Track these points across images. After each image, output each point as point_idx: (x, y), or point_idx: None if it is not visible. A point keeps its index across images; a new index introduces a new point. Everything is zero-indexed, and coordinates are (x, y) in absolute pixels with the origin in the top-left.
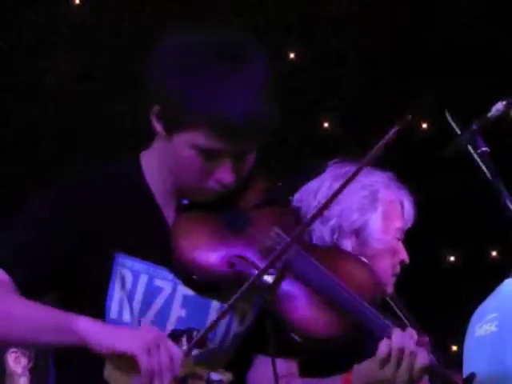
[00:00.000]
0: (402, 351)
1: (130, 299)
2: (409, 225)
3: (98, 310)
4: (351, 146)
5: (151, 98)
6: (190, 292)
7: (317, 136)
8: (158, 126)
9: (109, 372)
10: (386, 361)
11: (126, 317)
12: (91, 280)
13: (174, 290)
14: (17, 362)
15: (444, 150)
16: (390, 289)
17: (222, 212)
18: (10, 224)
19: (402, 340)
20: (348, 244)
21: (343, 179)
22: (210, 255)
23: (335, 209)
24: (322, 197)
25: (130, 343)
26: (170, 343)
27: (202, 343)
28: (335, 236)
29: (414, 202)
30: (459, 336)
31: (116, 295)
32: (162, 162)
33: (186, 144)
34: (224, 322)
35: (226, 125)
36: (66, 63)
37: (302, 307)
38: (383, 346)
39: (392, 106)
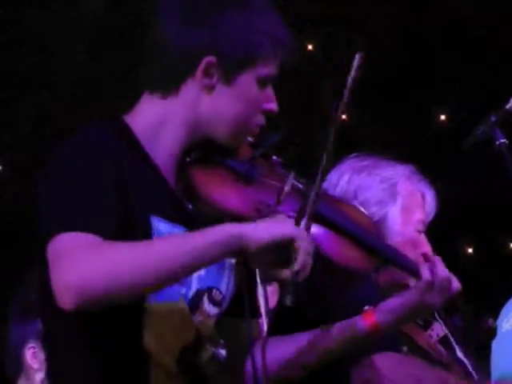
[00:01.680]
0: (442, 275)
1: None
2: (430, 217)
3: None
4: (367, 139)
5: (196, 55)
6: None
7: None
8: (206, 80)
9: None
10: (429, 286)
11: None
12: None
13: None
14: (34, 357)
15: (463, 143)
16: (411, 281)
17: (228, 165)
18: (53, 185)
19: (441, 265)
20: None
21: (362, 172)
22: (240, 202)
23: (354, 202)
24: (341, 191)
25: (288, 227)
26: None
27: (217, 302)
28: None
29: (436, 195)
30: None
31: None
32: (183, 119)
33: (254, 80)
34: (226, 282)
35: (288, 47)
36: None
37: (335, 244)
38: (426, 272)
39: (408, 99)
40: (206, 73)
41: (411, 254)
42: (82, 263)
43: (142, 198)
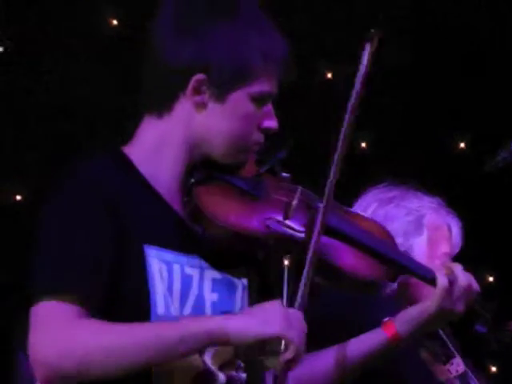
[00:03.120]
0: (463, 279)
1: (171, 291)
2: (456, 250)
3: (142, 309)
4: (386, 167)
5: (186, 73)
6: (217, 275)
7: (354, 156)
8: (197, 98)
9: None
10: (446, 292)
11: (172, 310)
12: (130, 278)
13: (202, 275)
14: None
15: (484, 166)
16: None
17: (233, 183)
18: (46, 244)
19: (460, 269)
20: None
21: (389, 204)
22: (249, 220)
23: None
24: None
25: (274, 325)
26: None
27: None
28: None
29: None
30: None
31: (158, 289)
32: (183, 145)
33: (247, 97)
34: (240, 304)
35: (283, 63)
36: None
37: (347, 255)
38: (442, 278)
39: (428, 127)
40: (197, 90)
41: None
42: (57, 342)
43: (137, 229)
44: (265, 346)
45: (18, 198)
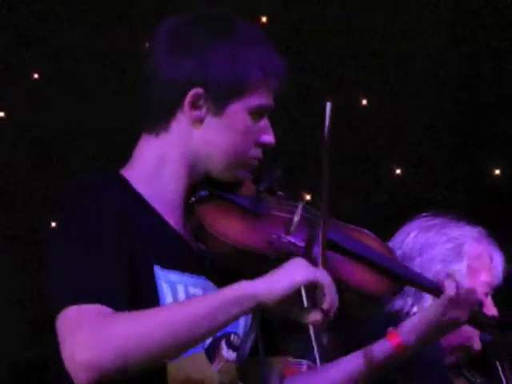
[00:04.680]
0: (466, 287)
1: None
2: (497, 281)
3: None
4: (423, 194)
5: (182, 88)
6: None
7: (390, 182)
8: (194, 113)
9: None
10: (452, 301)
11: None
12: (141, 296)
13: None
14: None
15: None
16: (476, 345)
17: (234, 201)
18: (61, 252)
19: (463, 279)
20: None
21: (430, 231)
22: (252, 237)
23: (417, 260)
24: (406, 247)
25: (300, 273)
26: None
27: (237, 347)
28: None
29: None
30: None
31: None
32: (181, 161)
33: (244, 111)
34: (243, 325)
35: (280, 76)
36: None
37: (351, 269)
38: (450, 286)
39: (462, 153)
40: (194, 105)
41: None
42: (92, 339)
43: (145, 249)
44: (297, 302)
45: None
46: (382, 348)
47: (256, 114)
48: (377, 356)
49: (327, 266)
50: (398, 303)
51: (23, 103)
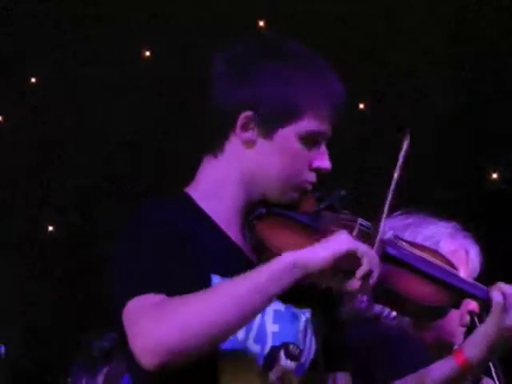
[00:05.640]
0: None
1: None
2: (475, 274)
3: None
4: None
5: (234, 111)
6: (279, 306)
7: None
8: (245, 135)
9: None
10: (502, 309)
11: (237, 342)
12: None
13: None
14: None
15: None
16: (458, 339)
17: (292, 217)
18: (123, 260)
19: (508, 287)
20: None
21: (406, 231)
22: None
23: None
24: None
25: (342, 242)
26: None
27: (295, 357)
28: None
29: (481, 251)
30: None
31: None
32: (238, 181)
33: (292, 135)
34: (302, 336)
35: (334, 102)
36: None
37: (411, 282)
38: (496, 294)
39: (459, 157)
40: (245, 127)
41: (456, 312)
42: (157, 323)
43: (204, 260)
44: (339, 271)
45: None
46: (447, 366)
47: (307, 139)
48: (443, 374)
49: (385, 279)
50: (377, 307)
51: (21, 107)
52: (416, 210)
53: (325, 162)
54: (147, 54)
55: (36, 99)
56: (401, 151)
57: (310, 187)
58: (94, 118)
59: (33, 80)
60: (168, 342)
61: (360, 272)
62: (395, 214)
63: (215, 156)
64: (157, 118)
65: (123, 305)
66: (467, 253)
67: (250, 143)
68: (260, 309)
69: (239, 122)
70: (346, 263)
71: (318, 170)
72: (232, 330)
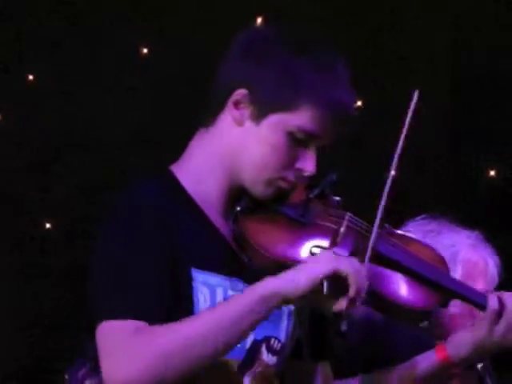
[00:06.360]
0: None
1: None
2: (492, 287)
3: None
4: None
5: (231, 86)
6: None
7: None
8: (236, 112)
9: None
10: (497, 316)
11: None
12: (179, 303)
13: None
14: None
15: None
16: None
17: (279, 211)
18: (103, 264)
19: (509, 296)
20: None
21: (425, 238)
22: (295, 250)
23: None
24: None
25: (321, 264)
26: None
27: (277, 351)
28: None
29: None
30: None
31: None
32: (221, 158)
33: (281, 126)
34: (285, 330)
35: (335, 110)
36: None
37: (398, 284)
38: (493, 301)
39: (457, 155)
40: (237, 104)
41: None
42: (128, 359)
43: (186, 253)
44: (322, 294)
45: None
46: (428, 360)
47: (294, 135)
48: (422, 368)
49: (371, 281)
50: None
51: (19, 105)
52: (440, 215)
53: (308, 165)
54: (145, 51)
55: (34, 97)
56: (408, 113)
57: (286, 187)
58: (94, 116)
59: (30, 77)
60: (138, 381)
61: (350, 293)
62: (418, 217)
63: (207, 128)
64: (156, 116)
65: (99, 319)
66: (486, 264)
67: (238, 122)
68: (240, 339)
69: (232, 98)
70: (330, 284)
71: (299, 172)
72: (211, 359)
